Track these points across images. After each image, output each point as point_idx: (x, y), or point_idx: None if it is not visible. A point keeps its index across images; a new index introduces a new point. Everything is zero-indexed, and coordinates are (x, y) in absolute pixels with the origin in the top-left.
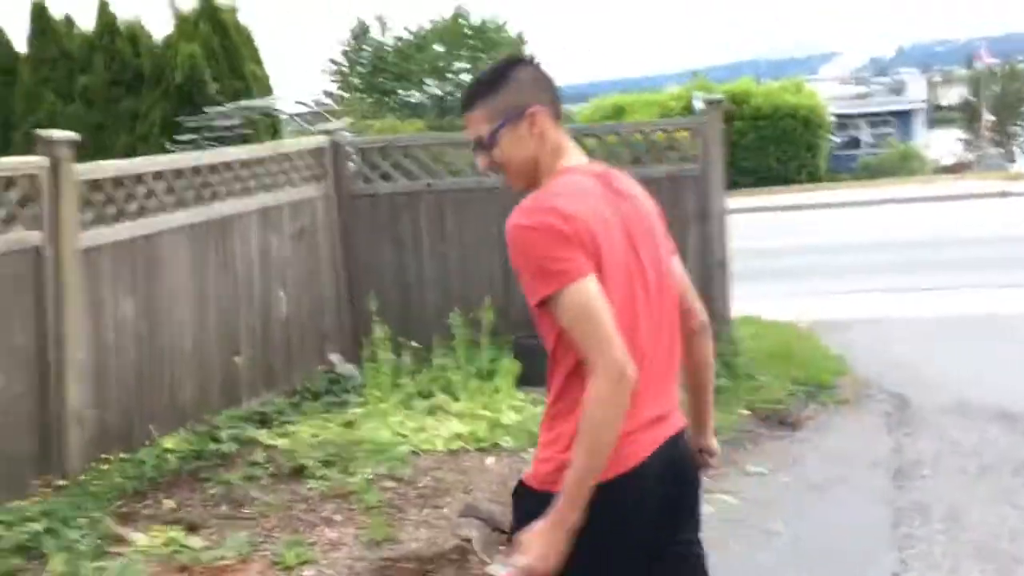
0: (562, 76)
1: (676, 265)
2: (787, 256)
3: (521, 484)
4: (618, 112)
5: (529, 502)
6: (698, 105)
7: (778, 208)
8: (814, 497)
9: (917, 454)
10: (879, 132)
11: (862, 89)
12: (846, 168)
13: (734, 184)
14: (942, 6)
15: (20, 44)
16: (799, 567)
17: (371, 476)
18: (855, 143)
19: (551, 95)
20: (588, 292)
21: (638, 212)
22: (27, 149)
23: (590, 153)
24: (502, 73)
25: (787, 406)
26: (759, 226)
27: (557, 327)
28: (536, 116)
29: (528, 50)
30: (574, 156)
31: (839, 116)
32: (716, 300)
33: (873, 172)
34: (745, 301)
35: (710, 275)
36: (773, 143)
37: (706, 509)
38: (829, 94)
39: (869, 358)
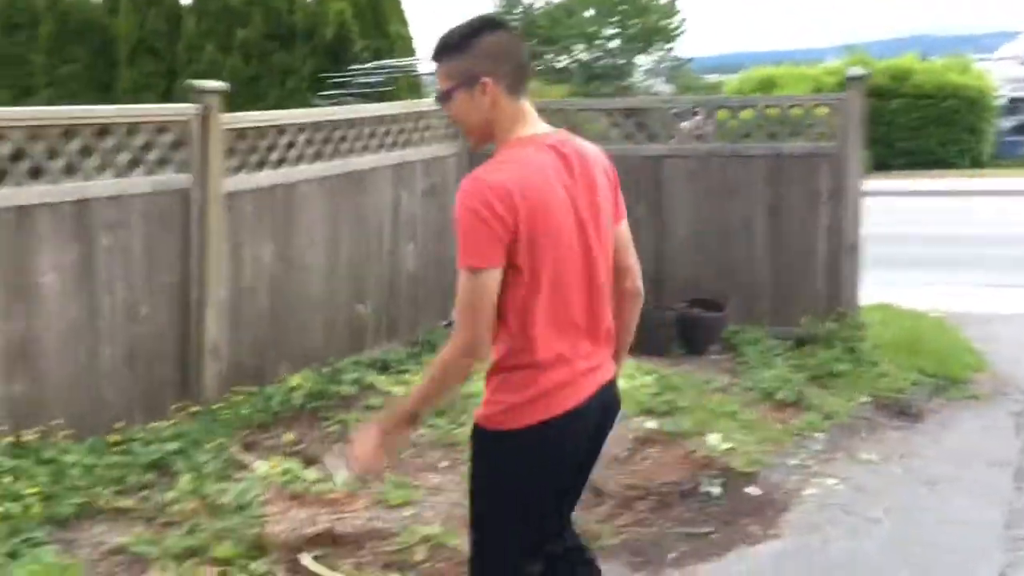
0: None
1: (621, 229)
2: (938, 244)
3: (476, 425)
4: (768, 85)
5: (483, 440)
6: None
7: (934, 193)
8: (924, 491)
9: None
10: None
11: None
12: (1015, 154)
13: (887, 165)
14: None
15: None
16: (896, 557)
17: None
18: None
19: (513, 65)
20: (480, 286)
21: (586, 182)
22: (187, 98)
23: (720, 125)
24: (468, 37)
25: (910, 397)
26: (911, 210)
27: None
28: (487, 85)
29: (679, 17)
30: (532, 126)
31: (1014, 100)
32: (844, 283)
33: None
34: (887, 287)
35: (839, 257)
36: (934, 124)
37: (808, 491)
38: (1006, 75)
39: (1013, 355)
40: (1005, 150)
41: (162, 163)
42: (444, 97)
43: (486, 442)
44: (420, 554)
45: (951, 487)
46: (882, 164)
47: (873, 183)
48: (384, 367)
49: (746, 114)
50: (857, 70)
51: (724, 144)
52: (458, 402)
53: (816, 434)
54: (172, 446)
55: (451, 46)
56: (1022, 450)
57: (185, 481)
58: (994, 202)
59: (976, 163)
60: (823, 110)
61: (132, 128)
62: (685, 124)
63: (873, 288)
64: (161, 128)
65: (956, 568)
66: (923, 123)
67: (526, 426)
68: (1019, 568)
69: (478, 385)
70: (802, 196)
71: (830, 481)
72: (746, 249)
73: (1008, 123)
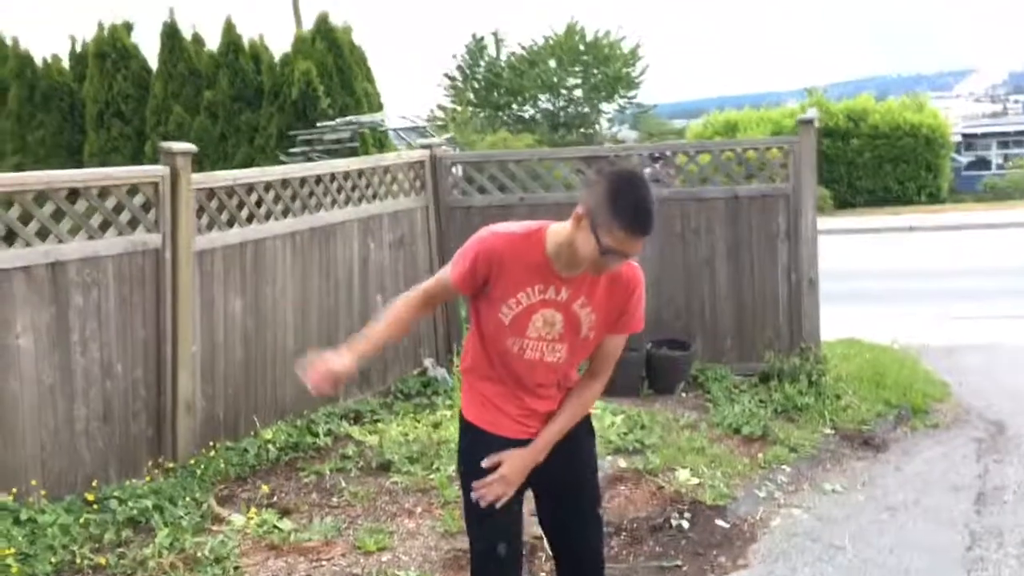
0: (678, 91)
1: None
2: (898, 278)
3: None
4: (730, 128)
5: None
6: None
7: (894, 229)
8: (887, 517)
9: (1003, 480)
10: (1010, 153)
11: (997, 108)
12: (973, 189)
13: (849, 203)
14: None
15: (152, 60)
16: None
17: (453, 473)
18: (984, 163)
19: None
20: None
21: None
22: (156, 159)
23: (681, 169)
24: None
25: (873, 427)
26: (873, 246)
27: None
28: None
29: (642, 65)
30: None
31: (967, 136)
32: (805, 318)
33: (998, 194)
34: (852, 322)
35: (799, 293)
36: (891, 162)
37: (775, 522)
38: (962, 112)
39: (975, 384)
40: (963, 185)
41: (133, 224)
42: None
43: (463, 427)
44: None
45: (913, 513)
46: (844, 202)
47: (836, 221)
48: (357, 417)
49: (704, 158)
50: (809, 113)
51: (682, 188)
52: (432, 449)
53: (782, 466)
54: (148, 502)
55: None
56: (982, 475)
57: (162, 536)
58: (952, 236)
59: (935, 199)
60: (777, 152)
61: (103, 191)
62: (647, 170)
63: (836, 322)
64: (132, 190)
65: None
66: (881, 161)
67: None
68: None
69: (451, 430)
70: (760, 236)
71: (796, 511)
72: (709, 288)
73: (965, 159)
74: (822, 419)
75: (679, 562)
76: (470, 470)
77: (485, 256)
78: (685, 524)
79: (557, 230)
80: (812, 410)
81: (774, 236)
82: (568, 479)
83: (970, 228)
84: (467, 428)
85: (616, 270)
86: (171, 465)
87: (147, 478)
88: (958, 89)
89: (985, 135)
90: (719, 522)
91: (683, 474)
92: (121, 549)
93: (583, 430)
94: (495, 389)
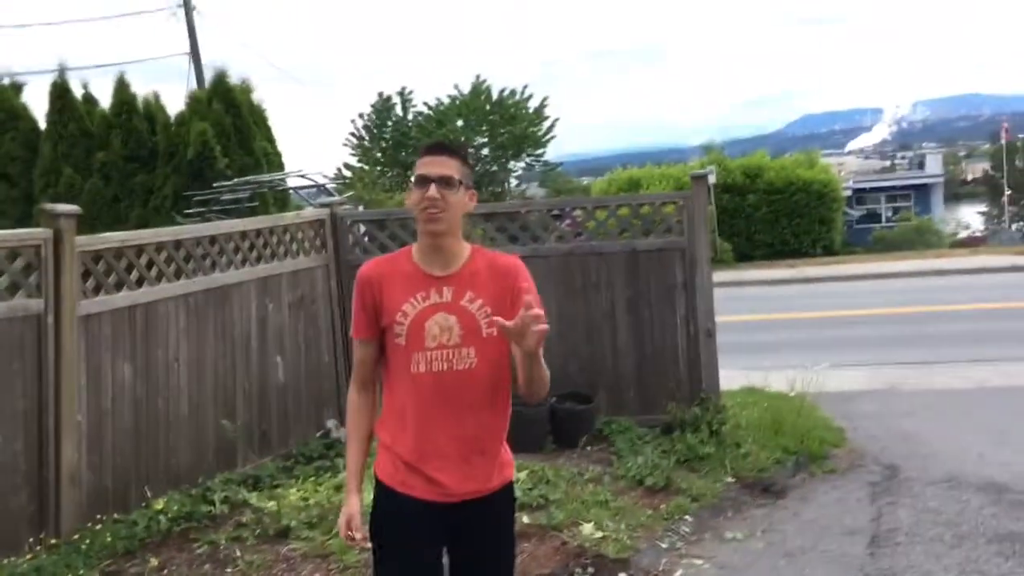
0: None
1: None
2: (795, 328)
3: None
4: (633, 185)
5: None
6: (710, 179)
7: (791, 280)
8: (784, 563)
9: (896, 523)
10: (898, 206)
11: (885, 163)
12: (864, 242)
13: (749, 257)
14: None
15: (42, 120)
16: None
17: None
18: (874, 217)
19: None
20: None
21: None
22: (40, 222)
23: (579, 224)
24: (468, 155)
25: (773, 475)
26: (771, 298)
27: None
28: (473, 197)
29: (548, 123)
30: None
31: (858, 190)
32: (704, 369)
33: (888, 245)
34: (751, 372)
35: (697, 344)
36: (786, 216)
37: (677, 573)
38: (854, 168)
39: (870, 429)
40: (855, 238)
41: (13, 289)
42: (450, 183)
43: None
44: None
45: (810, 557)
46: (744, 256)
47: (736, 274)
48: (256, 483)
49: (600, 214)
50: (706, 170)
51: (582, 243)
52: (332, 513)
53: (685, 516)
54: None
55: (463, 153)
56: (876, 518)
57: None
58: (845, 286)
59: (828, 251)
60: (671, 207)
61: None
62: (560, 225)
63: (737, 372)
64: (12, 254)
65: None
66: (777, 215)
67: None
68: None
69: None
70: (659, 288)
71: (698, 561)
72: (610, 341)
73: (856, 212)
74: (723, 468)
75: None
76: (379, 533)
77: (361, 286)
78: None
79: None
80: (713, 459)
81: (672, 288)
82: (487, 554)
83: (863, 279)
84: (378, 487)
85: (492, 259)
86: (55, 541)
87: (28, 556)
88: (850, 146)
89: (874, 189)
90: (622, 575)
91: (587, 528)
92: None
93: (506, 504)
94: (408, 444)
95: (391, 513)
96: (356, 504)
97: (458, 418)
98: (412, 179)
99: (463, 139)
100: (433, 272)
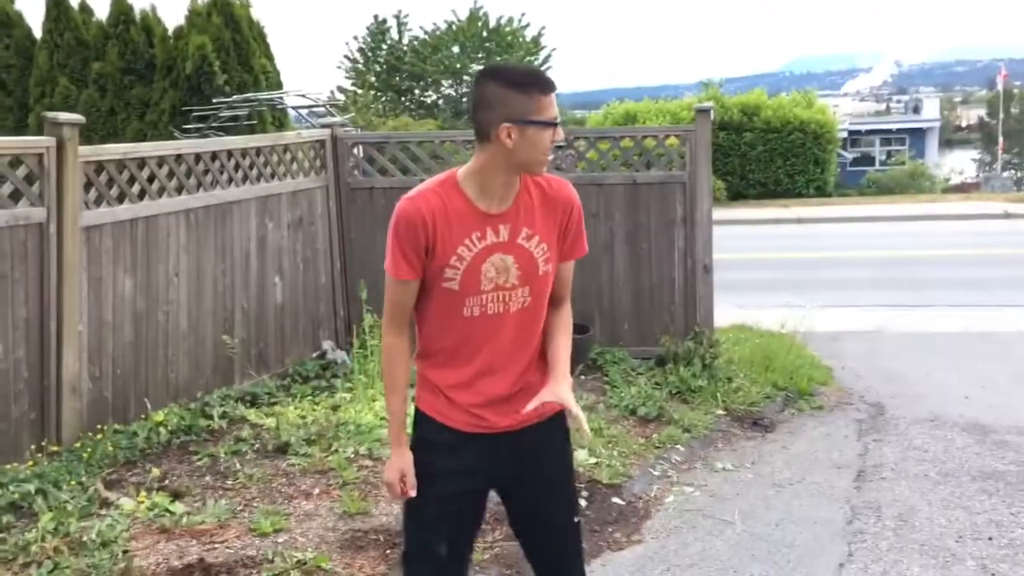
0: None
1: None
2: (787, 268)
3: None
4: (630, 119)
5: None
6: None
7: (784, 220)
8: (773, 493)
9: (881, 459)
10: (892, 150)
11: (881, 107)
12: (857, 184)
13: (742, 195)
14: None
15: (37, 29)
16: (746, 554)
17: (351, 455)
18: (868, 159)
19: None
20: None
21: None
22: (40, 131)
23: (581, 155)
24: None
25: (762, 409)
26: (763, 237)
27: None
28: None
29: (544, 53)
30: None
31: (853, 132)
32: (700, 303)
33: (881, 188)
34: (741, 309)
35: (694, 279)
36: (781, 156)
37: (668, 499)
38: (849, 110)
39: (857, 369)
40: (848, 180)
41: (16, 196)
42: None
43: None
44: None
45: (798, 489)
46: (737, 194)
47: (729, 212)
48: (254, 400)
49: (603, 145)
50: (705, 104)
51: (583, 174)
52: (331, 431)
53: (676, 446)
54: (31, 486)
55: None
56: (862, 454)
57: (46, 520)
58: (837, 228)
59: (822, 192)
60: (674, 140)
61: None
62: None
63: (728, 309)
64: (15, 161)
65: (800, 560)
66: (772, 155)
67: None
68: (856, 558)
69: (349, 412)
70: (658, 222)
71: (688, 489)
72: (608, 273)
73: (850, 155)
74: (714, 401)
75: None
76: (420, 465)
77: (412, 226)
78: (582, 502)
79: (467, 170)
80: (705, 392)
81: (671, 223)
82: (540, 483)
83: (854, 221)
84: (418, 418)
85: (546, 188)
86: (56, 448)
87: (30, 462)
88: (846, 88)
89: (869, 132)
90: (615, 500)
91: (581, 454)
92: (2, 534)
93: (555, 425)
94: (451, 377)
95: (435, 445)
96: (408, 458)
97: (508, 356)
98: (534, 119)
99: (458, 66)
100: (489, 210)
